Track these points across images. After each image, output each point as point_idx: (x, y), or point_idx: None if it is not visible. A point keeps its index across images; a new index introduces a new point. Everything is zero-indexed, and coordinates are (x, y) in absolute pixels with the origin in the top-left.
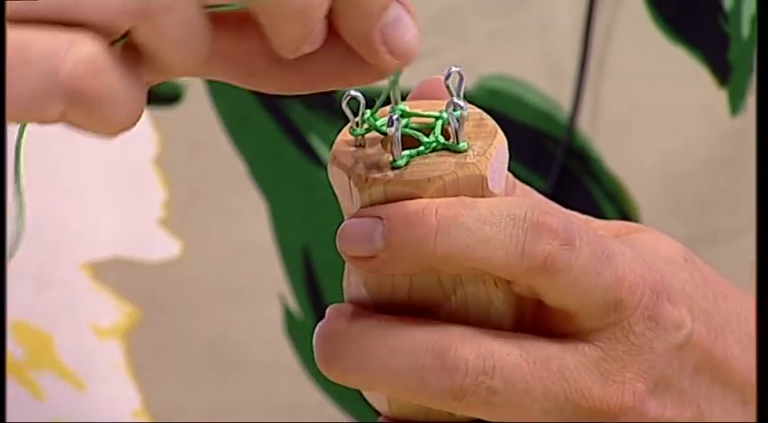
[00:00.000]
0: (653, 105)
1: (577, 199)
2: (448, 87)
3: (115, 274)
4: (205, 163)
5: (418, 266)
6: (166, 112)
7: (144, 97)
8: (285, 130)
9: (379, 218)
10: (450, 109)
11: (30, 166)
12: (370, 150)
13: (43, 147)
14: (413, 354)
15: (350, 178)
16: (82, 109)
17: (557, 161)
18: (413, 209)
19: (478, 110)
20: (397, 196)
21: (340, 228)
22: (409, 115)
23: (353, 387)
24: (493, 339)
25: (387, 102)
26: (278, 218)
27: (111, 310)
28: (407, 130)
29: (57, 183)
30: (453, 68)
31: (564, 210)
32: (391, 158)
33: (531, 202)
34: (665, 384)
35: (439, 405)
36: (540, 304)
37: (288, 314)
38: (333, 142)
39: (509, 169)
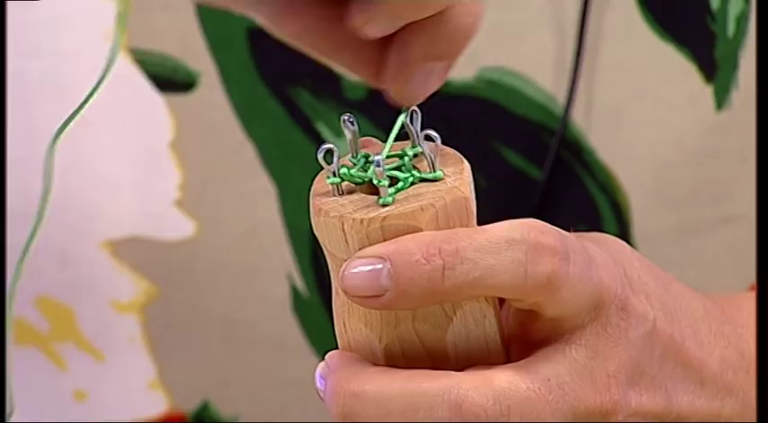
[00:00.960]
0: (643, 99)
1: (570, 188)
2: (412, 123)
3: (133, 252)
4: (218, 148)
5: (427, 302)
6: (182, 99)
7: None
8: (294, 117)
9: (382, 258)
10: (422, 140)
11: (58, 152)
12: (350, 198)
13: (67, 132)
14: (430, 408)
15: (343, 225)
16: None
17: (551, 151)
18: (416, 248)
19: (434, 142)
20: (394, 231)
21: (342, 272)
22: (367, 158)
23: None
24: (500, 376)
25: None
26: (286, 201)
27: (130, 287)
28: (389, 169)
29: (79, 166)
30: (411, 106)
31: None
32: (378, 198)
33: (524, 223)
34: (640, 373)
35: None
36: (517, 312)
37: (295, 292)
38: (309, 199)
39: (502, 162)
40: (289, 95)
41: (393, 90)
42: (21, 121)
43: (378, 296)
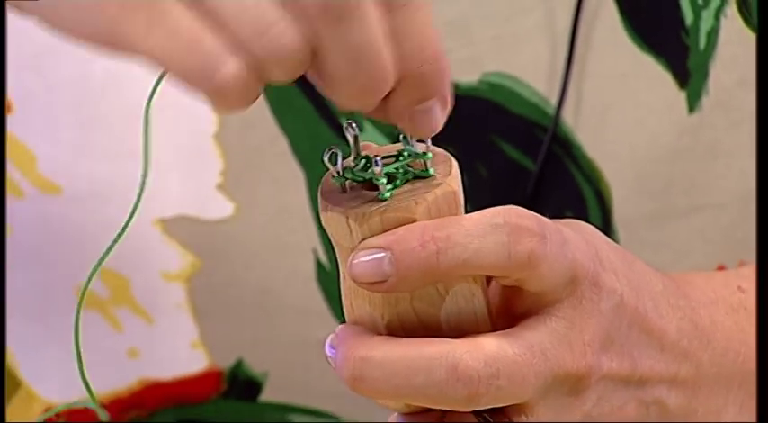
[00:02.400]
0: (625, 103)
1: (560, 179)
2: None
3: (181, 229)
4: (255, 140)
5: (424, 283)
6: None
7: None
8: (321, 113)
9: (384, 248)
10: (414, 142)
11: (115, 141)
12: (352, 194)
13: (125, 125)
14: (429, 371)
15: (347, 218)
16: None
17: (544, 146)
18: (412, 236)
19: (425, 144)
20: (392, 222)
21: (350, 263)
22: (368, 159)
23: (379, 399)
24: (489, 343)
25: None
26: (313, 186)
27: (177, 259)
28: (386, 169)
29: (136, 155)
30: None
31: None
32: (378, 193)
33: (505, 209)
34: (611, 341)
35: (454, 408)
36: (503, 290)
37: (319, 265)
38: (317, 195)
39: (501, 155)
40: (317, 94)
41: (405, 130)
42: (87, 115)
43: (382, 282)
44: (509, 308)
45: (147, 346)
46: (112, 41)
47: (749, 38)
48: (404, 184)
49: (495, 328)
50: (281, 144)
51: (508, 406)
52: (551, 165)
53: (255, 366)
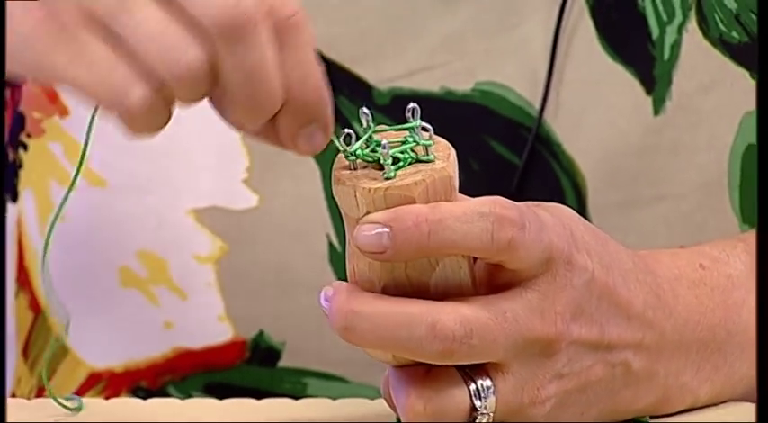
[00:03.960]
0: (598, 106)
1: (542, 172)
2: (413, 117)
3: (211, 218)
4: None
5: (417, 256)
6: None
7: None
8: (335, 117)
9: (384, 224)
10: (420, 131)
11: (152, 141)
12: (362, 172)
13: (166, 133)
14: (410, 326)
15: (356, 192)
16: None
17: (528, 144)
18: (410, 217)
19: (429, 132)
20: (394, 199)
21: (356, 234)
22: (378, 143)
23: (367, 349)
24: (467, 308)
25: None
26: (327, 180)
27: (208, 244)
28: (393, 152)
29: (173, 153)
30: (411, 105)
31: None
32: (383, 173)
33: (491, 199)
34: (581, 311)
35: (431, 361)
36: (487, 264)
37: (331, 248)
38: (331, 170)
39: (491, 151)
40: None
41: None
42: None
43: (381, 252)
44: (491, 280)
45: (181, 319)
46: (42, 73)
47: (707, 49)
48: (407, 166)
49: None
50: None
51: (487, 363)
52: (534, 160)
53: (275, 336)
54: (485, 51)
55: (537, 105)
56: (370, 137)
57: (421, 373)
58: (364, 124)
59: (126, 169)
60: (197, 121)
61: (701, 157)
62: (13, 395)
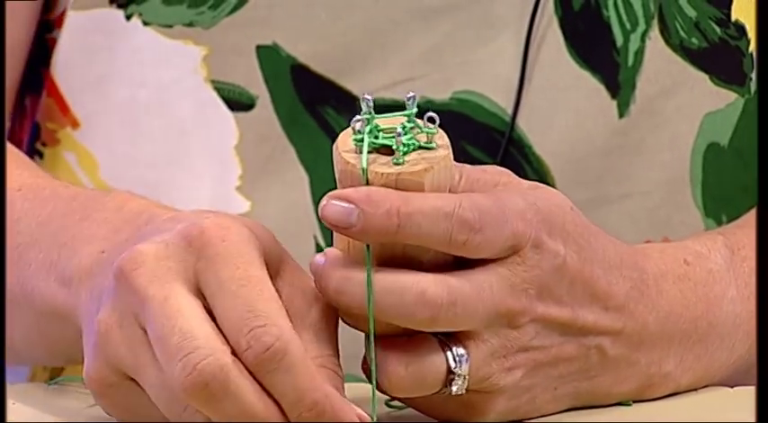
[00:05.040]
0: (567, 110)
1: (515, 173)
2: (413, 100)
3: None
4: (268, 150)
5: (376, 241)
6: (244, 116)
7: None
8: (323, 128)
9: (356, 204)
10: (426, 122)
11: (159, 152)
12: (369, 157)
13: (166, 139)
14: (401, 293)
15: (367, 174)
16: None
17: (502, 147)
18: (383, 205)
19: (436, 122)
20: (405, 184)
21: (324, 203)
22: (381, 129)
23: (356, 312)
24: (453, 279)
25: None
26: (315, 187)
27: None
28: (403, 139)
29: (176, 161)
30: (410, 94)
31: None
32: (393, 158)
33: (457, 199)
34: (548, 292)
35: (416, 327)
36: None
37: (319, 250)
38: (335, 147)
39: (467, 155)
40: (320, 112)
41: None
42: (136, 131)
43: (346, 228)
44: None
45: None
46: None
47: (669, 55)
48: (410, 152)
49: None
50: (290, 153)
51: (461, 333)
52: (508, 162)
53: None
54: (461, 63)
55: (510, 111)
56: (373, 123)
57: (401, 342)
58: (365, 110)
59: (131, 178)
60: (196, 133)
61: (665, 156)
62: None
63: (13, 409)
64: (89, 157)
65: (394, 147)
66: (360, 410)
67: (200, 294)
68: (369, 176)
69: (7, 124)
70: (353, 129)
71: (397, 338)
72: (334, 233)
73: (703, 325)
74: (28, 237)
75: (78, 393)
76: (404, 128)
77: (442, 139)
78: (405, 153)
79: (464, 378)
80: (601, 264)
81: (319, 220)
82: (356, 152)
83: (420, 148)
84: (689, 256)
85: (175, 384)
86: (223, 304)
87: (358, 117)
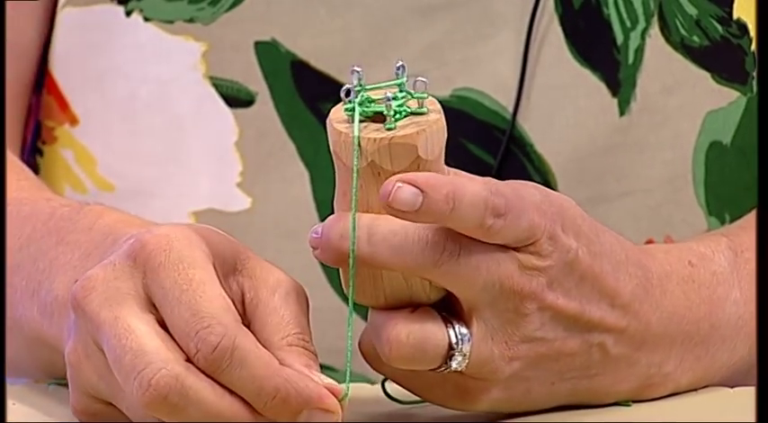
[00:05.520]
0: (568, 108)
1: (515, 171)
2: (402, 70)
3: (209, 219)
4: (268, 146)
5: (430, 222)
6: (244, 111)
7: None
8: (323, 124)
9: (421, 190)
10: (416, 85)
11: (158, 148)
12: (361, 125)
13: (165, 135)
14: (405, 236)
15: (361, 141)
16: None
17: (503, 145)
18: (442, 190)
19: (425, 84)
20: (398, 148)
21: (392, 189)
22: (372, 100)
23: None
24: (463, 238)
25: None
26: (315, 183)
27: None
28: (395, 107)
29: (176, 158)
30: (399, 62)
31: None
32: (385, 124)
33: (492, 186)
34: (558, 283)
35: (424, 273)
36: None
37: None
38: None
39: (468, 152)
40: (319, 108)
41: None
42: (135, 127)
43: (409, 211)
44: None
45: None
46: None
47: (670, 53)
48: (403, 118)
49: None
50: (290, 149)
51: (464, 312)
52: (508, 160)
53: None
54: (461, 60)
55: (510, 109)
56: (363, 94)
57: (404, 314)
58: (355, 82)
59: (132, 175)
60: (195, 129)
61: (666, 154)
62: None
63: (14, 409)
64: (86, 154)
65: (385, 112)
66: (329, 380)
67: (153, 308)
68: (362, 143)
69: (20, 126)
70: (344, 100)
71: (399, 310)
72: (341, 197)
73: (705, 327)
74: (10, 260)
75: None
76: (394, 95)
77: (433, 104)
78: (396, 119)
79: (464, 356)
80: (609, 260)
81: (321, 215)
82: (348, 122)
83: (412, 114)
84: (693, 257)
85: (137, 403)
86: (170, 312)
87: (348, 86)
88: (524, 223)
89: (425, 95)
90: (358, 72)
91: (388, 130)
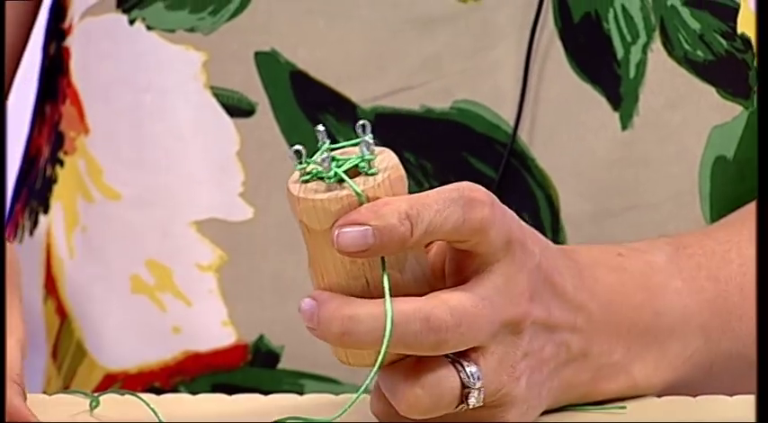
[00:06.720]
0: (569, 123)
1: (517, 186)
2: (364, 129)
3: (212, 229)
4: (269, 156)
5: (399, 250)
6: (244, 122)
7: None
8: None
9: (366, 224)
10: (364, 148)
11: (162, 157)
12: (314, 187)
13: (169, 145)
14: (407, 323)
15: (322, 203)
16: None
17: (504, 159)
18: (391, 214)
19: (371, 146)
20: (357, 205)
21: (337, 234)
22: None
23: (363, 349)
24: (452, 297)
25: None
26: None
27: (209, 254)
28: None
29: (176, 168)
30: (361, 121)
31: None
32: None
33: (460, 185)
34: (535, 292)
35: (425, 353)
36: (452, 256)
37: None
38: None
39: (468, 166)
40: (319, 118)
41: None
42: (140, 136)
43: (364, 250)
44: (458, 270)
45: (188, 324)
46: None
47: (673, 67)
48: (338, 179)
49: (438, 286)
50: (290, 160)
51: (468, 349)
52: (509, 174)
53: (274, 340)
54: (461, 72)
55: (511, 122)
56: (328, 154)
57: (411, 363)
58: (320, 141)
59: (137, 183)
60: (196, 138)
61: (672, 168)
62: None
63: None
64: (95, 164)
65: (323, 174)
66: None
67: None
68: (324, 205)
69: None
70: (295, 158)
71: (406, 362)
72: (315, 261)
73: (648, 314)
74: None
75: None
76: (333, 157)
77: (384, 162)
78: (337, 181)
79: (480, 391)
80: (551, 258)
81: None
82: (298, 182)
83: (367, 175)
84: (622, 249)
85: None
86: None
87: (297, 147)
88: (507, 222)
89: (372, 157)
90: (321, 132)
91: (350, 189)
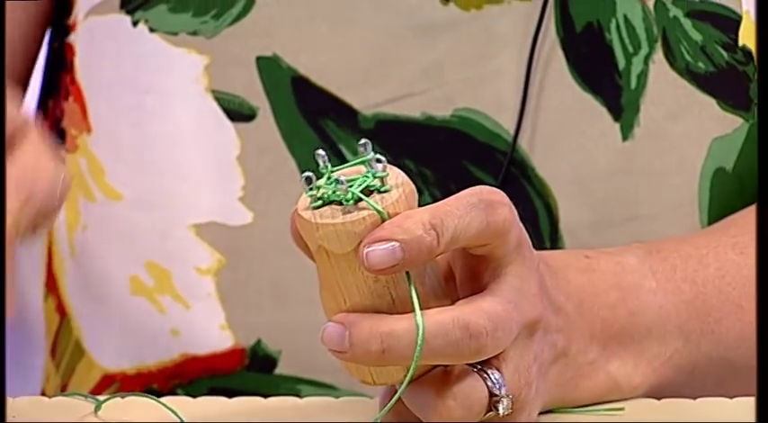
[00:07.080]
0: (569, 132)
1: (516, 194)
2: (365, 147)
3: (211, 233)
4: (269, 161)
5: (427, 261)
6: (245, 126)
7: None
8: (323, 140)
9: (394, 240)
10: (374, 163)
11: (162, 159)
12: (327, 211)
13: (170, 146)
14: (446, 333)
15: (344, 227)
16: None
17: (504, 168)
18: (416, 227)
19: (382, 164)
20: (343, 235)
21: (365, 253)
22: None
23: (400, 364)
24: (484, 303)
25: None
26: None
27: (208, 257)
28: (356, 187)
29: (176, 171)
30: (362, 140)
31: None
32: (342, 209)
33: (478, 189)
34: (543, 290)
35: (466, 361)
36: (465, 263)
37: None
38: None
39: (468, 174)
40: (319, 124)
41: None
42: (142, 137)
43: (393, 266)
44: (473, 277)
45: (186, 327)
46: None
47: (675, 79)
48: (356, 200)
49: (451, 296)
50: (291, 165)
51: (491, 358)
52: (509, 183)
53: (271, 345)
54: (462, 80)
55: (511, 131)
56: (331, 176)
57: (440, 378)
58: (321, 165)
59: (138, 185)
60: (197, 142)
61: (672, 179)
62: (43, 392)
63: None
64: (96, 163)
65: (340, 198)
66: None
67: None
68: (313, 229)
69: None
70: (306, 185)
71: (432, 375)
72: (333, 286)
73: (623, 313)
74: None
75: (78, 405)
76: (347, 178)
77: (395, 178)
78: (354, 202)
79: (508, 397)
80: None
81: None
82: (309, 208)
83: (377, 191)
84: (589, 252)
85: None
86: None
87: (308, 174)
88: (517, 227)
89: (385, 173)
90: (322, 156)
91: (346, 213)
